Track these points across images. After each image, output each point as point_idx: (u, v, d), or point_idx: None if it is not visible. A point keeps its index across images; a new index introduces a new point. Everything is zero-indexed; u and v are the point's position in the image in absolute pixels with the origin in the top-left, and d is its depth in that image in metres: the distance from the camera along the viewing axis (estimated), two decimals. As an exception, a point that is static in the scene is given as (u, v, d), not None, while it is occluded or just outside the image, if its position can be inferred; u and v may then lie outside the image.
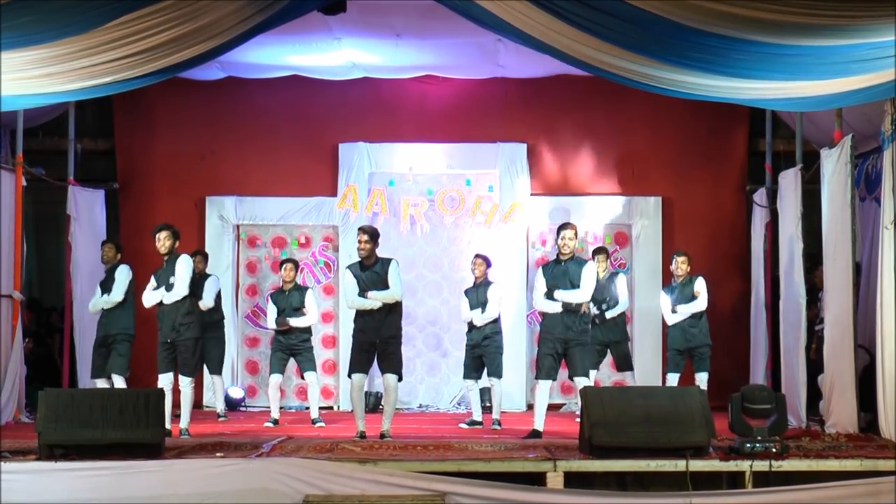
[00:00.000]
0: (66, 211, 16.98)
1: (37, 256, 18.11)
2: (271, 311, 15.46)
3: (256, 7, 11.00)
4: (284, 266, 15.58)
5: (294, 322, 15.28)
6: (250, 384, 18.08)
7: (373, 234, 13.15)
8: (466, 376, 15.31)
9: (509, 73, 17.39)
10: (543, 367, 13.35)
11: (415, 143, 18.29)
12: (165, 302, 13.53)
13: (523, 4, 10.60)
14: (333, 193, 18.17)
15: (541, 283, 13.37)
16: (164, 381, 13.44)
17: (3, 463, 10.40)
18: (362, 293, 13.01)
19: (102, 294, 14.60)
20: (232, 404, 17.31)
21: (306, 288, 15.78)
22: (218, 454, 11.09)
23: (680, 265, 15.12)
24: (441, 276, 18.19)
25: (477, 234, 18.10)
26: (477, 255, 15.45)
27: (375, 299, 12.97)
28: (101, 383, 14.65)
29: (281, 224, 18.34)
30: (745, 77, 11.46)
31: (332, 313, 17.60)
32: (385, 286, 13.01)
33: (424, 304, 17.94)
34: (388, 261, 13.18)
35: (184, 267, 13.59)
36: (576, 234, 13.38)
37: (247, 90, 18.06)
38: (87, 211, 17.35)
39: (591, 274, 13.34)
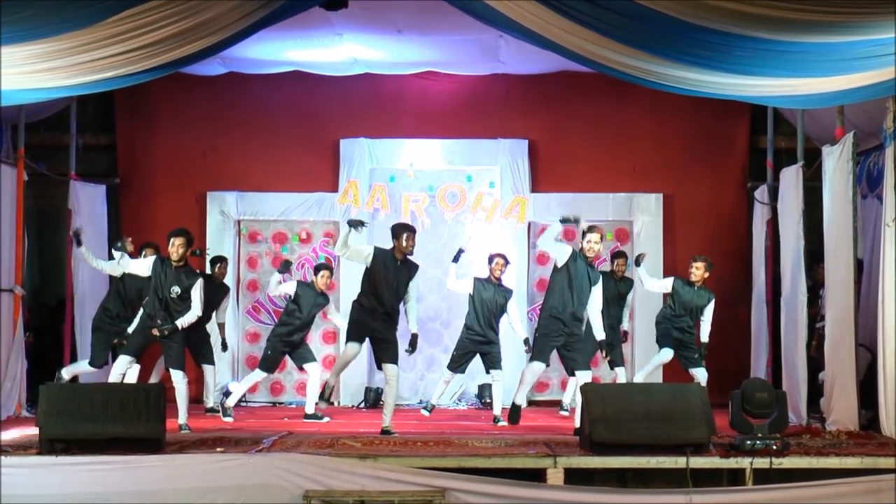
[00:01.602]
0: (68, 206, 16.98)
1: (38, 251, 18.10)
2: (289, 286, 15.40)
3: (258, 3, 11.00)
4: (322, 273, 15.43)
5: (335, 317, 15.63)
6: (251, 379, 18.08)
7: (415, 233, 13.30)
8: (451, 367, 15.33)
9: (510, 70, 17.38)
10: (546, 350, 13.43)
11: (416, 138, 18.29)
12: (180, 324, 13.51)
13: (526, 1, 10.61)
14: (334, 189, 18.16)
15: (564, 248, 13.38)
16: (124, 363, 13.43)
17: (3, 457, 10.43)
18: (374, 279, 13.01)
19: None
20: (233, 400, 17.31)
21: (328, 296, 15.80)
22: (218, 449, 11.12)
23: (695, 270, 15.13)
24: (442, 273, 18.12)
25: (478, 231, 18.08)
26: (500, 255, 15.43)
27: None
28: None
29: (282, 220, 18.35)
30: (746, 74, 11.47)
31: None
32: (402, 288, 13.10)
33: (425, 301, 17.92)
34: (416, 267, 13.34)
35: (200, 290, 13.63)
36: (602, 237, 13.39)
37: (248, 86, 18.04)
38: (88, 206, 17.35)
39: (599, 293, 13.43)
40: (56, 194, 17.30)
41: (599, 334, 13.52)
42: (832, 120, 13.65)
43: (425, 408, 15.58)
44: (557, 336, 13.29)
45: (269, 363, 15.37)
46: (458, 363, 15.33)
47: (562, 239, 13.36)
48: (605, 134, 18.39)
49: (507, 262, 15.39)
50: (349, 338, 13.22)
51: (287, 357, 15.53)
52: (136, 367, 14.37)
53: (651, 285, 15.54)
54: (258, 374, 15.45)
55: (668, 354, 15.22)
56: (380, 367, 13.43)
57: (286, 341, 15.25)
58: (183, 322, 13.47)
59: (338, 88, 17.96)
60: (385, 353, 13.12)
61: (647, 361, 16.25)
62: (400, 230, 13.23)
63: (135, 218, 18.15)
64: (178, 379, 13.59)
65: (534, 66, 17.10)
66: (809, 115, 14.93)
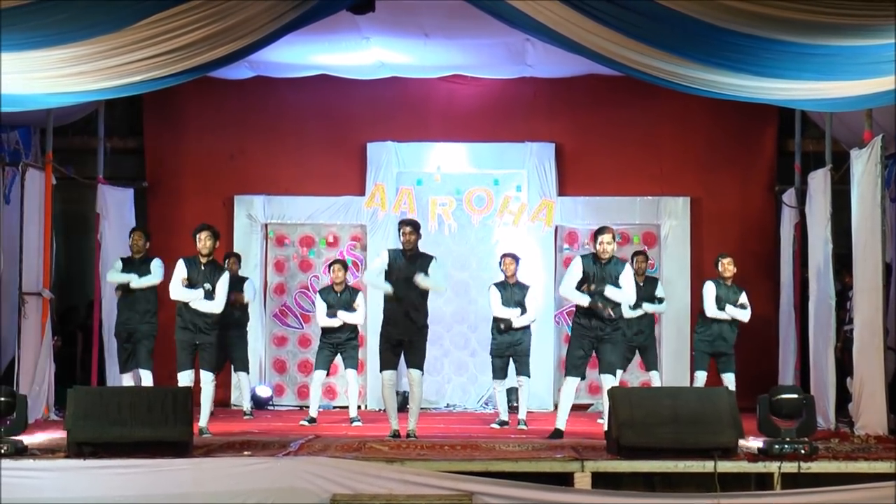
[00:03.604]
0: (96, 209, 17.04)
1: (65, 255, 18.17)
2: (320, 306, 15.49)
3: (287, 6, 11.02)
4: (333, 267, 15.63)
5: (343, 315, 15.32)
6: (278, 383, 18.12)
7: (416, 226, 13.22)
8: (496, 377, 15.27)
9: (538, 73, 17.35)
10: (573, 363, 13.29)
11: (443, 142, 18.28)
12: (202, 310, 13.59)
13: (551, 2, 10.60)
14: (361, 193, 18.18)
15: (577, 272, 13.28)
16: (188, 378, 13.50)
17: (32, 460, 10.47)
18: (388, 278, 13.03)
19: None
20: (260, 403, 17.34)
21: (357, 290, 15.79)
22: (245, 453, 11.11)
23: (727, 266, 15.02)
24: (469, 276, 18.17)
25: (505, 234, 18.08)
26: (506, 255, 15.37)
27: (427, 286, 13.09)
28: (128, 378, 14.86)
29: (309, 223, 18.36)
30: (774, 77, 11.43)
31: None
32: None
33: (452, 304, 17.90)
34: (430, 258, 13.24)
35: (225, 284, 13.76)
36: (613, 237, 13.32)
37: (275, 89, 18.09)
38: (116, 209, 17.40)
39: (630, 277, 13.31)
40: (84, 198, 17.37)
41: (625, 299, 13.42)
42: (860, 123, 13.59)
43: (500, 424, 15.38)
44: (583, 345, 13.24)
45: (318, 361, 15.52)
46: (497, 369, 15.24)
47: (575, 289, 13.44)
48: (633, 137, 18.35)
49: (516, 260, 15.30)
50: (381, 366, 13.26)
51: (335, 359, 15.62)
52: (149, 374, 14.58)
53: (711, 309, 15.22)
54: (317, 375, 15.54)
55: (702, 377, 15.06)
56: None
57: (325, 342, 15.46)
58: (201, 306, 13.58)
59: (365, 92, 17.96)
60: (410, 357, 13.11)
61: (676, 365, 16.24)
62: (398, 226, 13.38)
63: (162, 221, 18.19)
64: (209, 381, 13.65)
65: (560, 70, 17.08)
66: (837, 118, 14.88)
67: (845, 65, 10.86)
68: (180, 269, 13.66)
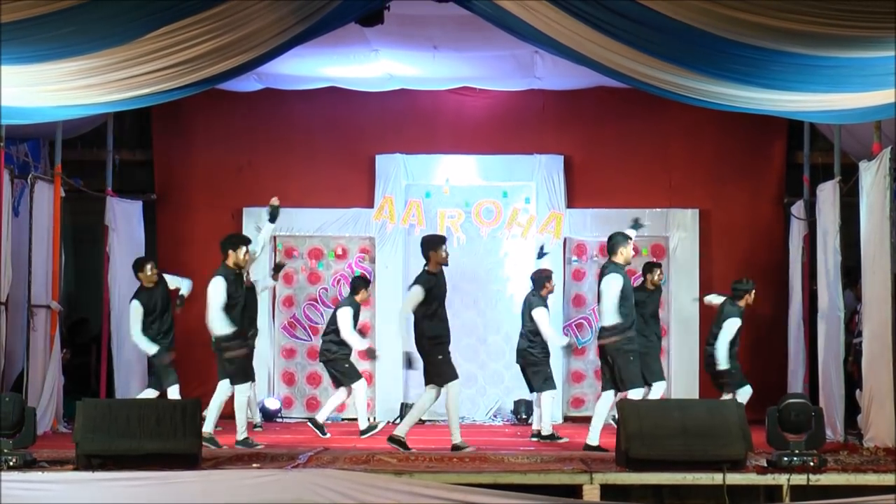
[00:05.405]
0: (105, 222, 17.05)
1: (74, 267, 18.19)
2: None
3: (296, 18, 11.03)
4: (363, 292, 15.71)
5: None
6: (286, 395, 18.11)
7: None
8: (547, 387, 15.10)
9: (546, 85, 17.36)
10: (603, 378, 13.40)
11: (452, 154, 18.28)
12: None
13: (559, 14, 10.61)
14: (370, 205, 18.18)
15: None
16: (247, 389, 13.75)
17: (40, 472, 10.49)
18: (435, 300, 13.01)
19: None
20: (268, 415, 17.33)
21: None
22: (254, 465, 11.12)
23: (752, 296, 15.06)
24: (477, 288, 18.16)
25: (513, 246, 18.08)
26: (552, 273, 15.42)
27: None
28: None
29: (318, 235, 18.35)
30: (783, 89, 11.44)
31: (368, 325, 17.58)
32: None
33: (461, 316, 17.82)
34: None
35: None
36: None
37: (284, 101, 18.10)
38: (125, 222, 17.42)
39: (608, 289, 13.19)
40: (93, 210, 17.38)
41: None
42: (869, 135, 13.59)
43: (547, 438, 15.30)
44: (604, 360, 13.30)
45: (354, 372, 15.49)
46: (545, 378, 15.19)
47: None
48: (641, 149, 18.35)
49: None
50: (450, 380, 13.13)
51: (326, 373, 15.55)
52: (176, 388, 14.49)
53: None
54: (359, 386, 15.47)
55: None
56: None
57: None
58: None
59: (373, 104, 17.97)
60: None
61: (684, 377, 16.25)
62: (437, 242, 13.26)
63: (171, 234, 18.24)
64: (224, 390, 13.67)
65: (569, 82, 17.08)
66: (846, 130, 14.86)
67: (853, 77, 10.86)
68: (220, 292, 13.46)
